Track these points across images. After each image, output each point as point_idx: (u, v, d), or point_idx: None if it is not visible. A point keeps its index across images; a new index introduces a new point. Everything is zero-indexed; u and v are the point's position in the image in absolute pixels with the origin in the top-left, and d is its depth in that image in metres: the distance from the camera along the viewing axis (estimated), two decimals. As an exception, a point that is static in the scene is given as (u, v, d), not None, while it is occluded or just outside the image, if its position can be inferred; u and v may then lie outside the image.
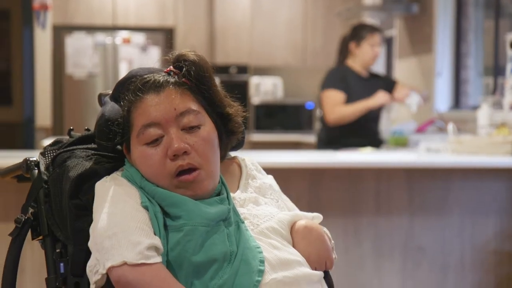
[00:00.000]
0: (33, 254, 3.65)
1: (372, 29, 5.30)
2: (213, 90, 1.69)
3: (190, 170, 1.61)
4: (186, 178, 1.60)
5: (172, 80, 1.66)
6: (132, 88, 1.67)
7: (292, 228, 1.69)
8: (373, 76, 5.39)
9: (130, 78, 1.72)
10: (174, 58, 1.70)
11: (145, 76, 1.68)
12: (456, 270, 4.32)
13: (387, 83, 5.40)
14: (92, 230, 1.58)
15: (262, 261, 1.57)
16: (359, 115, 5.08)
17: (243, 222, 1.64)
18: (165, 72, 1.69)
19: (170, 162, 1.60)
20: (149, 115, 1.62)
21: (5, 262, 1.78)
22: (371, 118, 5.23)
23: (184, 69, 1.67)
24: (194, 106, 1.65)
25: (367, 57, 5.24)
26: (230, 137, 1.75)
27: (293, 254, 1.63)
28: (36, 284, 3.87)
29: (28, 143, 8.54)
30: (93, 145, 1.80)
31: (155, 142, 1.62)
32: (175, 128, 1.62)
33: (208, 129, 1.66)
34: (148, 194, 1.61)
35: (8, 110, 9.49)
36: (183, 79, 1.66)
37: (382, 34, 5.36)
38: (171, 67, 1.69)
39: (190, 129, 1.63)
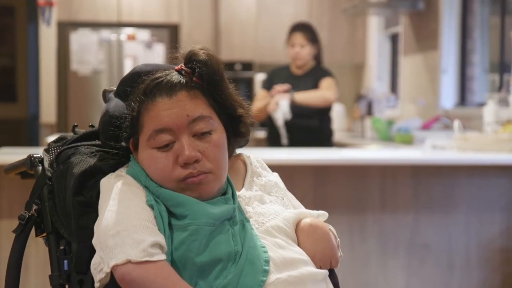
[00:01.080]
0: (38, 251, 3.65)
1: (293, 28, 5.32)
2: (224, 92, 1.67)
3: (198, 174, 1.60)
4: (192, 181, 1.59)
5: (184, 81, 1.64)
6: (143, 87, 1.65)
7: (297, 226, 1.68)
8: (309, 74, 5.32)
9: (136, 75, 1.70)
10: (186, 57, 1.67)
11: (157, 75, 1.65)
12: (461, 268, 4.31)
13: (315, 80, 5.29)
14: (96, 227, 1.57)
15: (267, 261, 1.56)
16: (262, 113, 5.04)
17: (248, 221, 1.63)
18: (176, 70, 1.67)
19: (180, 169, 1.59)
20: (161, 120, 1.60)
21: (9, 258, 1.78)
22: (301, 115, 5.14)
23: (196, 70, 1.65)
24: (205, 111, 1.63)
25: (289, 56, 5.30)
26: (238, 138, 1.74)
27: (298, 253, 1.62)
28: (41, 281, 3.87)
29: (33, 140, 8.55)
30: (97, 142, 1.79)
31: (165, 147, 1.61)
32: (186, 135, 1.60)
33: (219, 133, 1.65)
34: (152, 194, 1.60)
35: (13, 107, 9.50)
36: (195, 79, 1.64)
37: (308, 32, 5.25)
38: (182, 65, 1.67)
39: (202, 135, 1.62)
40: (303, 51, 5.21)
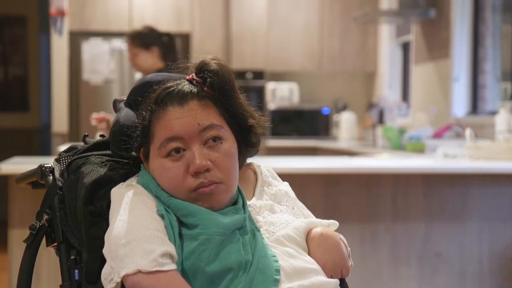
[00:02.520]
0: (49, 260, 3.66)
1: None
2: (235, 102, 1.68)
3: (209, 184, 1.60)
4: (204, 191, 1.59)
5: (195, 90, 1.64)
6: (154, 96, 1.65)
7: (308, 235, 1.68)
8: None
9: (146, 84, 1.71)
10: (197, 67, 1.68)
11: (168, 85, 1.66)
12: (474, 277, 4.29)
13: None
14: (107, 237, 1.57)
15: (277, 270, 1.55)
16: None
17: (258, 230, 1.63)
18: (187, 80, 1.67)
19: (191, 178, 1.59)
20: (172, 128, 1.60)
21: (20, 268, 1.78)
22: None
23: (207, 80, 1.65)
24: (216, 120, 1.63)
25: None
26: (249, 148, 1.74)
27: (309, 263, 1.62)
28: (52, 290, 3.88)
29: (45, 149, 8.57)
30: (107, 152, 1.79)
31: (176, 156, 1.61)
32: (197, 144, 1.60)
33: (230, 143, 1.65)
34: (163, 204, 1.60)
35: (25, 116, 9.54)
36: (206, 88, 1.65)
37: (129, 39, 5.02)
38: (193, 75, 1.68)
39: (213, 144, 1.62)
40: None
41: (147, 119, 1.64)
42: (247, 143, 1.72)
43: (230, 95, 1.66)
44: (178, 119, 1.61)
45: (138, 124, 1.67)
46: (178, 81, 1.67)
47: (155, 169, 1.63)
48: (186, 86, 1.65)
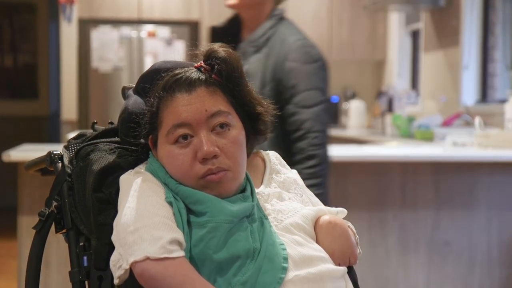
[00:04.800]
0: (59, 247, 3.67)
1: None
2: (243, 89, 1.68)
3: (217, 170, 1.60)
4: (212, 178, 1.59)
5: (203, 77, 1.64)
6: (162, 83, 1.65)
7: (316, 223, 1.68)
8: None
9: (155, 72, 1.71)
10: (205, 54, 1.68)
11: (177, 72, 1.66)
12: (482, 265, 4.28)
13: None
14: (115, 224, 1.58)
15: (285, 258, 1.55)
16: None
17: (266, 218, 1.63)
18: (195, 67, 1.68)
19: (198, 165, 1.59)
20: (180, 115, 1.61)
21: (29, 254, 1.79)
22: None
23: (215, 67, 1.65)
24: (224, 107, 1.64)
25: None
26: (257, 136, 1.74)
27: (317, 250, 1.62)
28: (62, 277, 3.90)
29: (54, 137, 8.60)
30: (116, 139, 1.80)
31: (184, 142, 1.61)
32: (205, 130, 1.61)
33: (237, 130, 1.65)
34: (171, 191, 1.60)
35: (34, 104, 9.56)
36: (214, 76, 1.65)
37: None
38: (202, 62, 1.68)
39: (220, 130, 1.62)
40: None
41: (155, 106, 1.65)
42: (255, 131, 1.72)
43: (238, 82, 1.66)
44: (185, 106, 1.61)
45: (146, 111, 1.67)
46: (186, 69, 1.67)
47: (163, 156, 1.64)
48: (194, 73, 1.65)
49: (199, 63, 1.68)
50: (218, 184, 1.60)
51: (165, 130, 1.62)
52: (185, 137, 1.61)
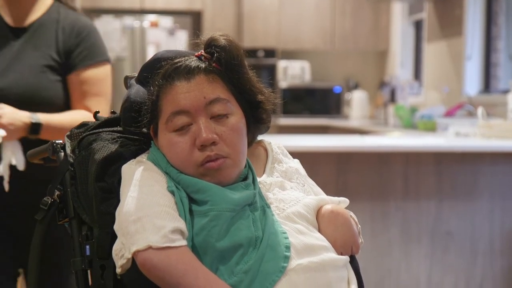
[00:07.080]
0: (61, 236, 3.67)
1: None
2: (243, 77, 1.68)
3: (216, 157, 1.60)
4: (211, 166, 1.60)
5: (202, 66, 1.65)
6: (162, 72, 1.66)
7: (318, 212, 1.68)
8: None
9: (156, 61, 1.71)
10: (206, 43, 1.68)
11: (176, 60, 1.67)
12: (485, 255, 4.29)
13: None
14: (117, 213, 1.58)
15: (288, 247, 1.56)
16: None
17: (269, 207, 1.63)
18: (195, 56, 1.68)
19: (197, 152, 1.60)
20: (179, 102, 1.61)
21: (31, 244, 1.79)
22: None
23: (215, 55, 1.65)
24: (223, 94, 1.64)
25: None
26: (258, 125, 1.74)
27: (319, 239, 1.62)
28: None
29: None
30: (118, 128, 1.80)
31: (183, 130, 1.61)
32: (204, 117, 1.61)
33: (237, 117, 1.65)
34: (173, 180, 1.60)
35: (37, 94, 9.54)
36: (214, 64, 1.65)
37: None
38: (202, 51, 1.68)
39: (219, 117, 1.62)
40: None
41: (155, 94, 1.65)
42: (256, 119, 1.72)
43: (238, 70, 1.66)
44: (184, 93, 1.61)
45: (147, 100, 1.67)
46: (186, 57, 1.68)
47: (163, 144, 1.64)
48: (194, 62, 1.65)
49: (199, 52, 1.68)
50: (217, 172, 1.60)
51: (165, 118, 1.63)
52: (183, 125, 1.61)
